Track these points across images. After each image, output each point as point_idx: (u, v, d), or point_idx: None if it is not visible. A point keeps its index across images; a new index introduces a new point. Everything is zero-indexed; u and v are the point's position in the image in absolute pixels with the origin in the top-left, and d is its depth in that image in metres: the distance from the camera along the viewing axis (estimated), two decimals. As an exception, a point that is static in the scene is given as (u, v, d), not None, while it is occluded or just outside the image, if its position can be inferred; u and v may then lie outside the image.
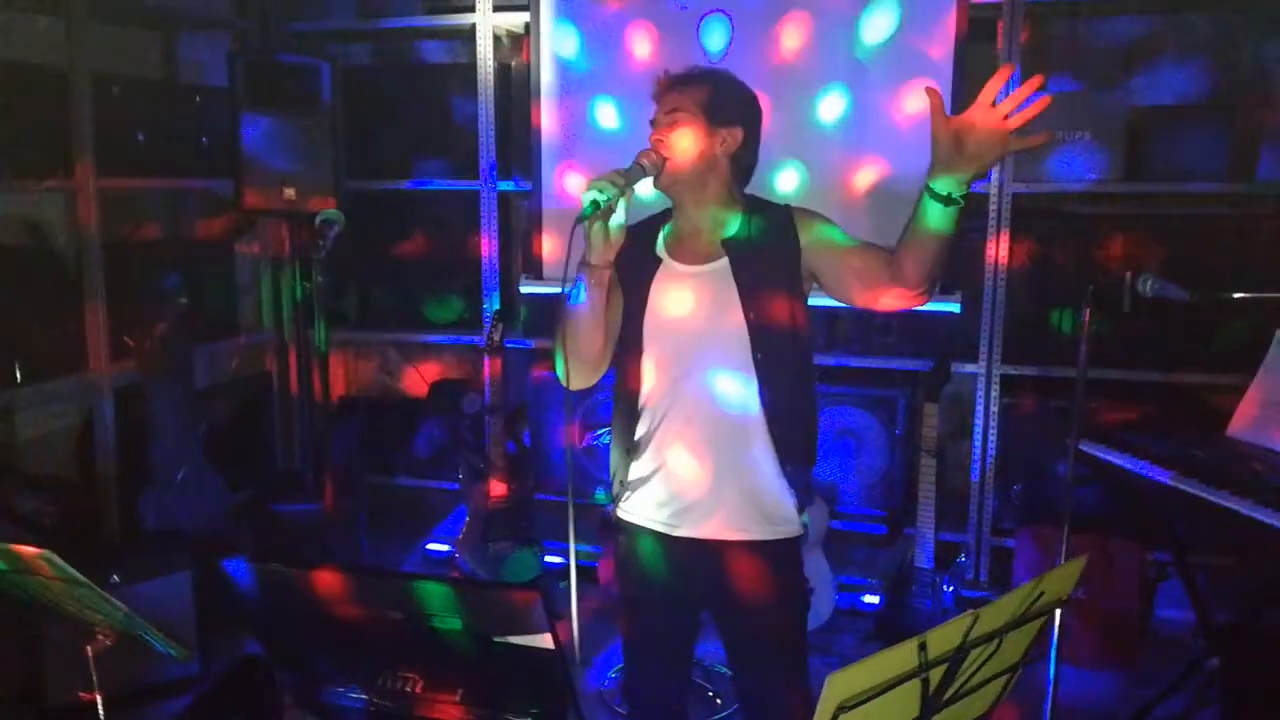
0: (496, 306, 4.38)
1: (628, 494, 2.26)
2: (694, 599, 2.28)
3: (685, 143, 2.11)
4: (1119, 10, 3.99)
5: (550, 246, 4.27)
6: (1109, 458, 2.97)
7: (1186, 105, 3.85)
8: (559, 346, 2.10)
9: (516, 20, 4.29)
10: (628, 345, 2.19)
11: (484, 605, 1.39)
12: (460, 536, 3.94)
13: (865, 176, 3.89)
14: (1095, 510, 3.86)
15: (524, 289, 4.34)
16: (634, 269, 2.15)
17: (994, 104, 1.79)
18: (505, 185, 4.37)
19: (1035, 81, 1.79)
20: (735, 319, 2.10)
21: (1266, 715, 2.81)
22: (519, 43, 4.53)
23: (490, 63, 4.26)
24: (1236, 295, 2.27)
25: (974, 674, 1.34)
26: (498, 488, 3.92)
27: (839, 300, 2.20)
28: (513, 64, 4.40)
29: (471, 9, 4.24)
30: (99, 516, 3.74)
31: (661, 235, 2.23)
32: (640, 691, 2.37)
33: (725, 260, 2.14)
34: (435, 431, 4.77)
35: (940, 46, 3.75)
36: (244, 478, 4.21)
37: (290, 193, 3.73)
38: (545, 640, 1.38)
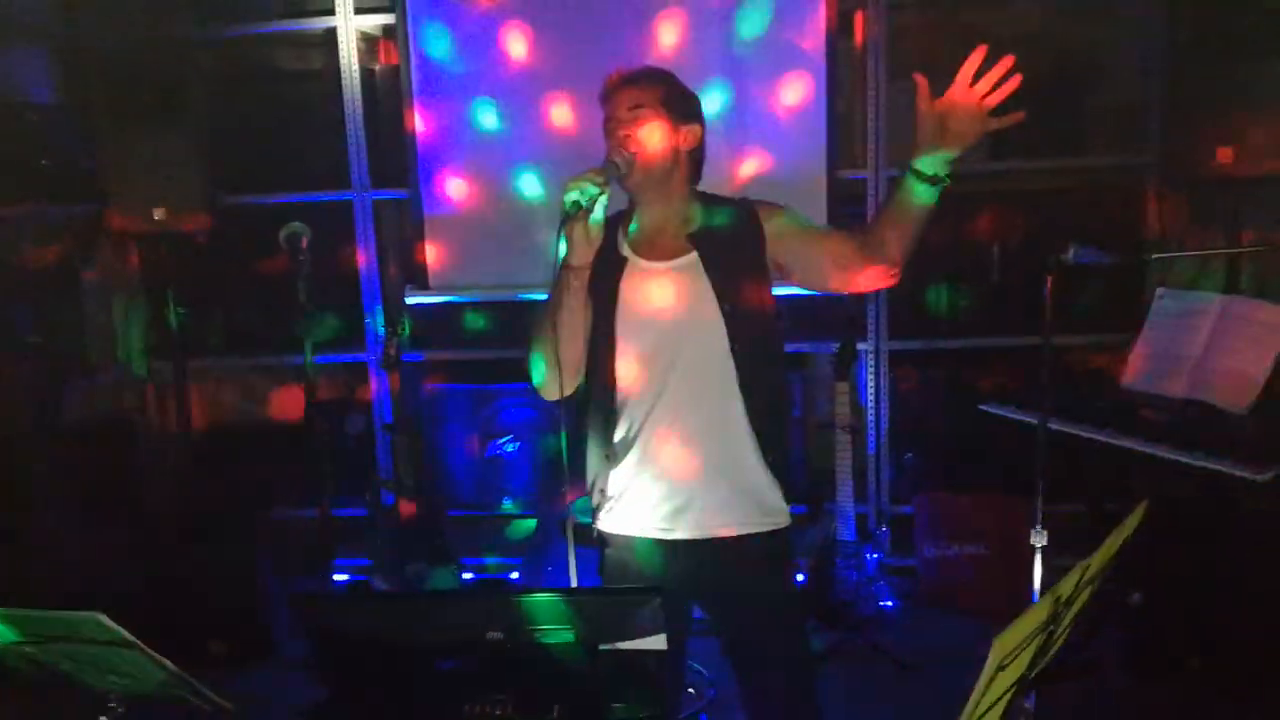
0: (381, 320, 4.22)
1: (610, 503, 2.22)
2: (688, 601, 2.27)
3: (654, 139, 2.09)
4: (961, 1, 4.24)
5: (435, 254, 4.15)
6: (1019, 417, 3.17)
7: (1032, 88, 4.14)
8: (542, 355, 2.06)
9: (378, 22, 4.14)
10: (599, 347, 2.14)
11: (600, 611, 1.34)
12: (374, 562, 3.78)
13: (748, 168, 3.98)
14: (984, 472, 4.12)
15: (410, 300, 4.19)
16: (599, 269, 2.10)
17: (971, 84, 1.87)
18: (380, 194, 4.20)
19: (1007, 62, 1.88)
20: (711, 311, 2.10)
21: (1180, 639, 3.08)
22: (375, 46, 4.37)
23: (355, 67, 4.09)
24: (1155, 256, 2.47)
25: (1067, 622, 1.41)
26: (408, 507, 3.79)
27: (809, 287, 2.24)
28: (376, 69, 4.24)
29: (331, 12, 4.07)
30: (-38, 583, 3.36)
31: (622, 234, 2.21)
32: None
33: (694, 254, 2.13)
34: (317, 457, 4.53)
35: (812, 39, 3.89)
36: (118, 524, 3.88)
37: (160, 213, 3.45)
38: (658, 642, 1.36)
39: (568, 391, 2.12)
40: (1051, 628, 1.29)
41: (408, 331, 4.23)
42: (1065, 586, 1.26)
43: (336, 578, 4.13)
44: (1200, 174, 3.32)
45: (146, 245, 4.06)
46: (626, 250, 2.18)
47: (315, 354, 4.35)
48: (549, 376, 2.07)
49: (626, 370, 2.14)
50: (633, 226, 2.21)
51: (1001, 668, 1.19)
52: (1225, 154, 3.23)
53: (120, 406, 4.33)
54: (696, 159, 2.21)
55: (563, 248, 1.99)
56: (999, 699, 1.30)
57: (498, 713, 1.42)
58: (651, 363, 2.12)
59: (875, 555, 3.63)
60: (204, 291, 4.25)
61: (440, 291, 4.17)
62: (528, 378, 4.36)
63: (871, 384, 4.14)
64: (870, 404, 4.16)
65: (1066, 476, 3.70)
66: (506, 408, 4.18)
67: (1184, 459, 2.66)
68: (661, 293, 2.13)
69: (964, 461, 4.12)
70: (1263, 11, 3.24)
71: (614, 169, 2.04)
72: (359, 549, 4.07)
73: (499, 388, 4.19)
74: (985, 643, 1.15)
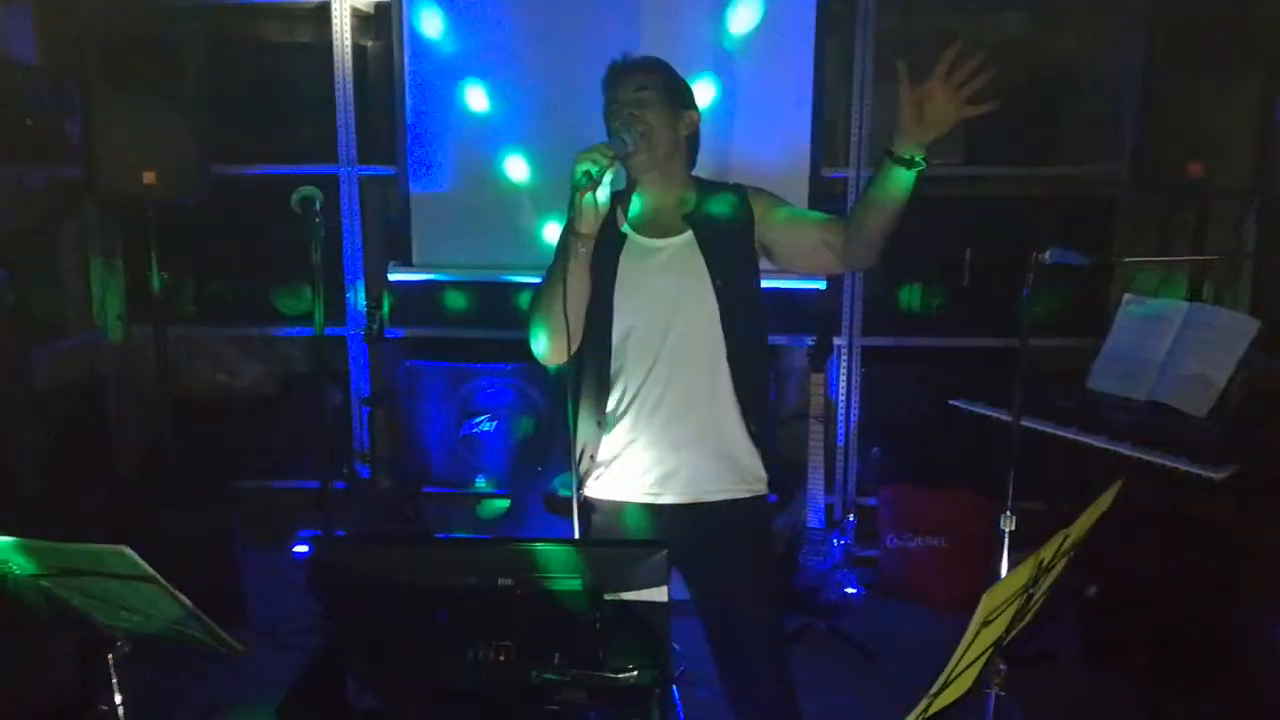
0: (363, 295, 4.25)
1: (599, 470, 2.29)
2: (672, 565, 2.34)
3: (658, 120, 2.21)
4: (948, 7, 4.34)
5: (419, 232, 4.17)
6: (989, 412, 3.27)
7: (1011, 95, 4.25)
8: (547, 321, 2.14)
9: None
10: (597, 319, 2.23)
11: (608, 562, 1.40)
12: (346, 535, 3.81)
13: (732, 163, 4.05)
14: (946, 468, 4.23)
15: (392, 276, 4.22)
16: (599, 245, 2.18)
17: (947, 75, 1.95)
18: (367, 170, 4.23)
19: (980, 57, 1.96)
20: (704, 288, 2.21)
21: (1132, 632, 3.20)
22: (368, 22, 4.39)
23: (347, 43, 4.12)
24: (1127, 260, 2.57)
25: (1043, 589, 1.49)
26: (384, 481, 3.82)
27: (793, 270, 2.37)
28: (368, 45, 4.26)
29: (325, -13, 4.09)
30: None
31: (621, 213, 2.29)
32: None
33: (690, 233, 2.24)
34: (292, 429, 4.55)
35: (801, 39, 3.98)
36: (89, 489, 3.88)
37: (150, 177, 3.45)
38: (660, 594, 1.42)
39: (562, 359, 2.20)
40: (1031, 591, 1.37)
41: (387, 311, 4.28)
42: (1047, 551, 1.35)
43: (300, 549, 4.14)
44: (1169, 185, 3.45)
45: (132, 210, 4.04)
46: (626, 228, 2.27)
47: (293, 327, 4.39)
48: (552, 339, 2.15)
49: (621, 341, 2.23)
50: (633, 206, 2.30)
51: (987, 623, 1.27)
52: (1193, 167, 3.36)
53: (94, 372, 4.31)
54: (694, 145, 2.33)
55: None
56: (978, 657, 1.38)
57: (501, 658, 1.47)
58: (647, 334, 2.22)
59: (842, 542, 3.72)
60: (188, 259, 4.25)
61: (423, 269, 4.20)
62: (507, 358, 4.40)
63: (843, 379, 4.24)
64: (841, 398, 4.25)
65: (1027, 474, 3.84)
66: (484, 388, 4.22)
67: (1145, 456, 2.77)
68: (658, 269, 2.23)
69: (927, 457, 4.22)
70: (1232, 30, 3.37)
71: (622, 145, 2.13)
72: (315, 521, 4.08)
73: (477, 367, 4.23)
74: (942, 631, 1.23)
